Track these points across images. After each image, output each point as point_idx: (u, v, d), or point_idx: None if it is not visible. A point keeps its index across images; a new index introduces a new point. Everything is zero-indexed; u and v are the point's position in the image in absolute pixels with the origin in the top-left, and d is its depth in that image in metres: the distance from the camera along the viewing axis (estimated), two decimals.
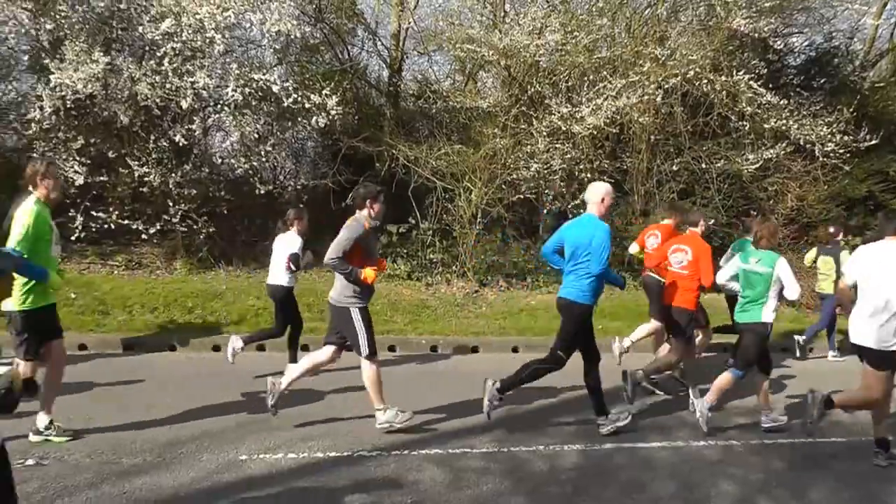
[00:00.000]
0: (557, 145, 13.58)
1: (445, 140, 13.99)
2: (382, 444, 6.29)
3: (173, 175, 12.57)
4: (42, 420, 5.98)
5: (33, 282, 5.69)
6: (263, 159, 13.61)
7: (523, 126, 13.76)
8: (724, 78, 13.67)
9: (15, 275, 5.40)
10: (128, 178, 12.57)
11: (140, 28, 11.74)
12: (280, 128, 13.60)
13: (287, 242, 8.49)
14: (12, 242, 5.58)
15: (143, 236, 12.83)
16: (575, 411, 7.44)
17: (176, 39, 11.59)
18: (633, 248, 9.76)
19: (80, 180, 12.02)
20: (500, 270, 13.89)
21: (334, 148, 15.10)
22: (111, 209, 12.77)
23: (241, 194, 13.81)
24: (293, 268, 8.33)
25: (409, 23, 14.71)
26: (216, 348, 9.72)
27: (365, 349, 6.45)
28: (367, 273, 6.42)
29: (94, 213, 12.63)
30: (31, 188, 5.89)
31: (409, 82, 17.29)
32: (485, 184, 13.52)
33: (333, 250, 6.31)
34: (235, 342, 8.56)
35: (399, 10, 14.88)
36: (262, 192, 13.29)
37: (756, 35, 13.96)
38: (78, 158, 12.24)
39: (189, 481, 5.34)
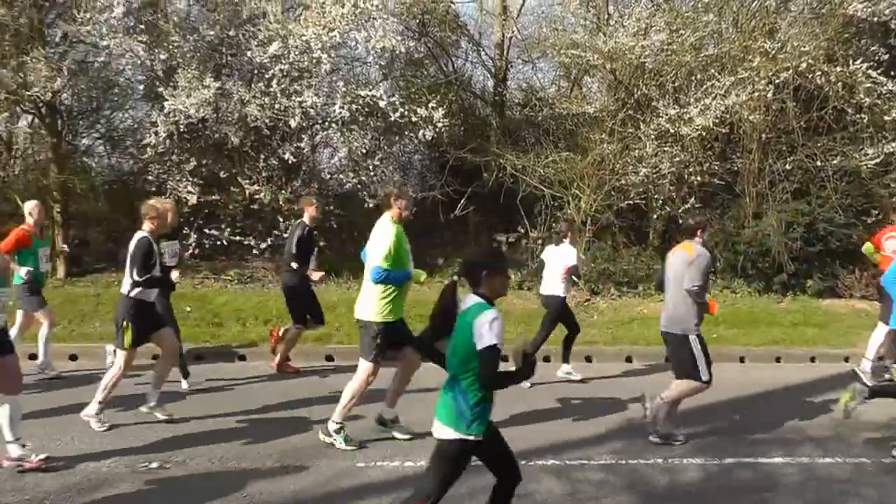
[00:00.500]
0: (666, 148, 13.47)
1: (552, 147, 14.01)
2: None
3: (283, 191, 13.10)
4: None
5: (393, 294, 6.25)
6: (371, 173, 13.91)
7: (630, 130, 13.68)
8: (839, 68, 13.24)
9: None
10: (239, 196, 13.16)
11: (248, 53, 12.30)
12: (387, 142, 13.89)
13: (562, 254, 8.85)
14: (378, 260, 6.11)
15: (255, 251, 13.39)
16: (693, 424, 7.30)
17: (283, 61, 12.06)
18: (867, 248, 9.63)
19: (193, 200, 12.66)
20: (610, 278, 13.84)
21: (441, 160, 15.41)
22: (223, 226, 13.40)
23: (350, 208, 14.15)
24: (574, 279, 8.54)
25: (513, 31, 14.81)
26: (329, 358, 9.97)
27: (705, 375, 6.65)
28: (713, 302, 6.79)
29: (206, 230, 13.29)
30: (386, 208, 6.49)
31: (514, 91, 17.41)
32: (593, 190, 13.50)
33: (699, 277, 6.54)
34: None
35: (502, 19, 14.99)
36: (371, 205, 13.56)
37: (875, 19, 13.44)
38: (191, 179, 12.93)
39: (308, 487, 5.49)
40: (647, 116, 13.59)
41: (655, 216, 14.47)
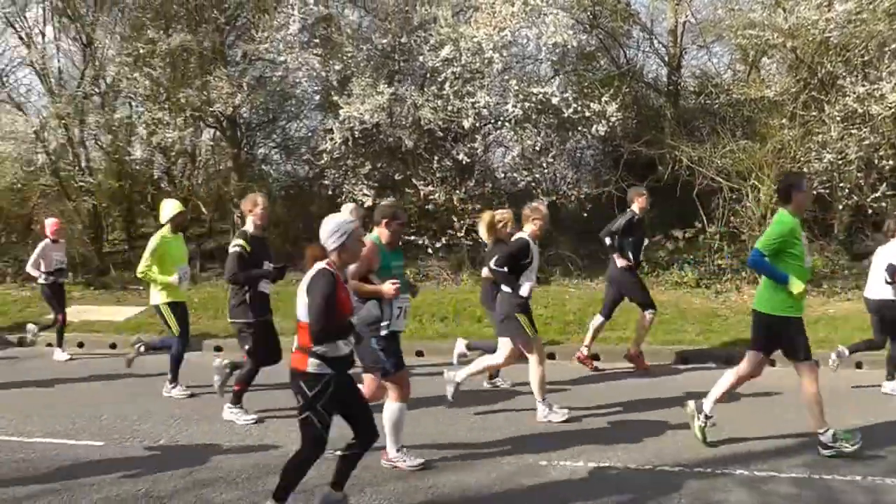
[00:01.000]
0: (853, 131, 12.56)
1: (729, 136, 13.34)
2: (684, 460, 6.11)
3: (457, 192, 13.44)
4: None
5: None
6: (545, 170, 14.03)
7: (813, 113, 12.93)
8: None
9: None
10: (413, 198, 13.61)
11: (420, 58, 12.73)
12: (560, 138, 13.91)
13: (890, 253, 8.16)
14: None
15: (430, 250, 13.82)
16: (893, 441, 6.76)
17: (455, 64, 12.36)
18: None
19: (368, 202, 13.09)
20: None
21: (615, 154, 15.26)
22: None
23: (524, 206, 14.28)
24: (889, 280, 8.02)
25: (686, 16, 14.36)
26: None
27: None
28: None
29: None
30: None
31: (688, 79, 16.94)
32: (773, 181, 12.80)
33: None
34: None
35: (675, 4, 14.58)
36: (545, 203, 13.64)
37: None
38: (366, 182, 13.58)
39: (490, 483, 5.55)
40: (832, 97, 12.79)
41: (841, 206, 13.71)
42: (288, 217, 15.72)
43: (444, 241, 13.63)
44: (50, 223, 10.40)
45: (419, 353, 10.23)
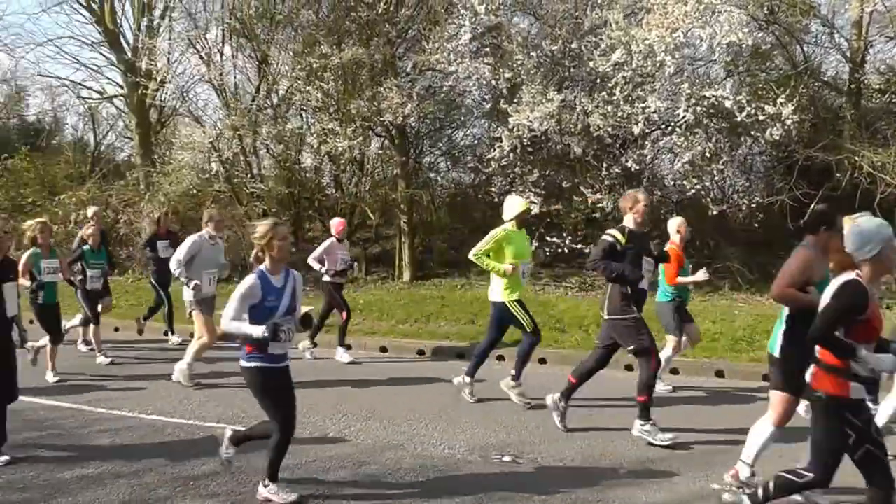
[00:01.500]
0: None
1: None
2: None
3: None
4: None
5: None
6: (715, 178, 13.93)
7: None
8: None
9: None
10: (581, 205, 13.78)
11: (591, 63, 12.87)
12: (731, 144, 13.64)
13: None
14: None
15: None
16: None
17: (626, 68, 12.52)
18: None
19: (535, 209, 13.32)
20: None
21: (788, 160, 14.76)
22: (564, 234, 14.16)
23: (692, 215, 14.10)
24: None
25: (875, 4, 13.56)
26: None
27: None
28: None
29: (548, 238, 14.12)
30: None
31: (872, 75, 16.15)
32: None
33: None
34: None
35: None
36: (715, 212, 13.55)
37: None
38: (533, 189, 13.84)
39: (659, 502, 5.41)
40: None
41: None
42: (452, 223, 16.20)
43: None
44: (336, 223, 10.40)
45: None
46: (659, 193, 14.18)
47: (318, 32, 15.29)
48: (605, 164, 13.54)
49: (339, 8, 15.54)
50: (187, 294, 8.86)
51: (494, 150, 13.45)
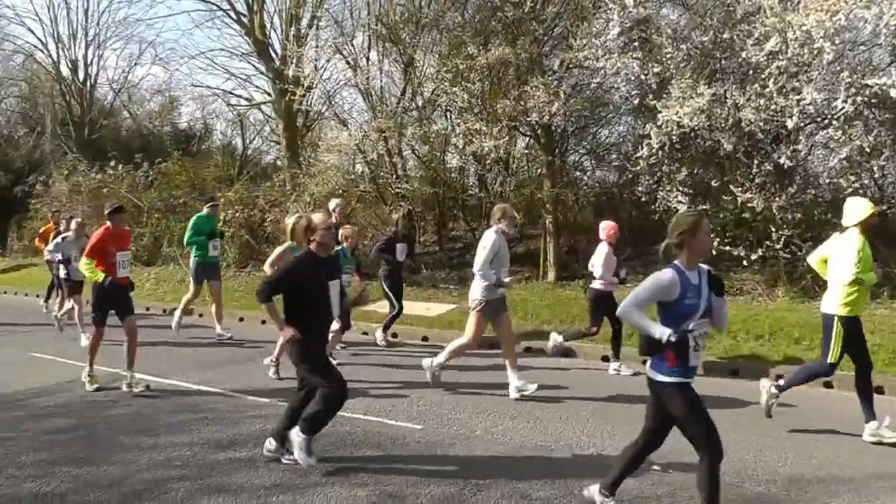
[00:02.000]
0: None
1: None
2: None
3: (776, 199, 13.02)
4: None
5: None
6: (875, 175, 13.50)
7: None
8: None
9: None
10: (730, 205, 13.49)
11: (743, 53, 12.67)
12: (894, 137, 13.10)
13: None
14: None
15: (744, 262, 13.50)
16: None
17: (781, 57, 12.19)
18: None
19: (682, 210, 13.02)
20: None
21: None
22: (713, 236, 13.66)
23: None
24: None
25: None
26: (828, 385, 9.01)
27: None
28: None
29: None
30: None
31: None
32: None
33: None
34: None
35: None
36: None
37: None
38: (681, 189, 13.63)
39: None
40: None
41: None
42: (597, 223, 16.28)
43: (760, 253, 13.22)
44: (607, 226, 10.16)
45: (734, 372, 10.04)
46: (812, 192, 13.74)
47: (464, 34, 15.77)
48: (755, 161, 13.26)
49: (484, 8, 16.00)
50: (477, 292, 8.55)
51: (642, 147, 13.39)
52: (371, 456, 6.48)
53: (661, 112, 12.87)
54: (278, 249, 9.07)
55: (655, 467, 5.98)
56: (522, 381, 8.55)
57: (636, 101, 14.86)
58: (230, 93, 24.83)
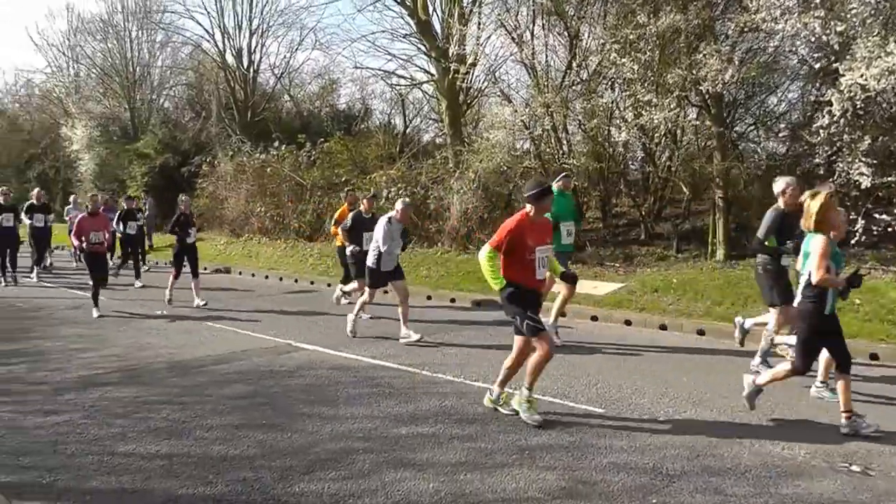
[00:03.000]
0: None
1: None
2: None
3: None
4: None
5: None
6: None
7: None
8: None
9: None
10: None
11: None
12: None
13: None
14: None
15: None
16: None
17: None
18: None
19: (865, 182, 12.87)
20: None
21: None
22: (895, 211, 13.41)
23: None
24: None
25: None
26: None
27: None
28: None
29: (875, 215, 13.54)
30: None
31: None
32: None
33: None
34: None
35: None
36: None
37: None
38: (863, 160, 13.06)
39: None
40: None
41: None
42: (766, 199, 16.08)
43: None
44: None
45: None
46: None
47: (634, 2, 15.82)
48: None
49: None
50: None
51: (822, 116, 13.11)
52: (554, 438, 6.48)
53: (843, 75, 12.49)
54: None
55: (855, 468, 5.85)
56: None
57: (818, 66, 14.35)
58: (392, 73, 25.81)
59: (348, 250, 12.47)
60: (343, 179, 23.00)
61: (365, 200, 12.85)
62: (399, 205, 11.11)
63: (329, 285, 16.68)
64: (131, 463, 6.00)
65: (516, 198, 18.37)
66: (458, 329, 11.83)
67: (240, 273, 20.05)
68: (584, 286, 13.63)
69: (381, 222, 10.89)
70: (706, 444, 6.33)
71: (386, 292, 12.25)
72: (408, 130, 29.17)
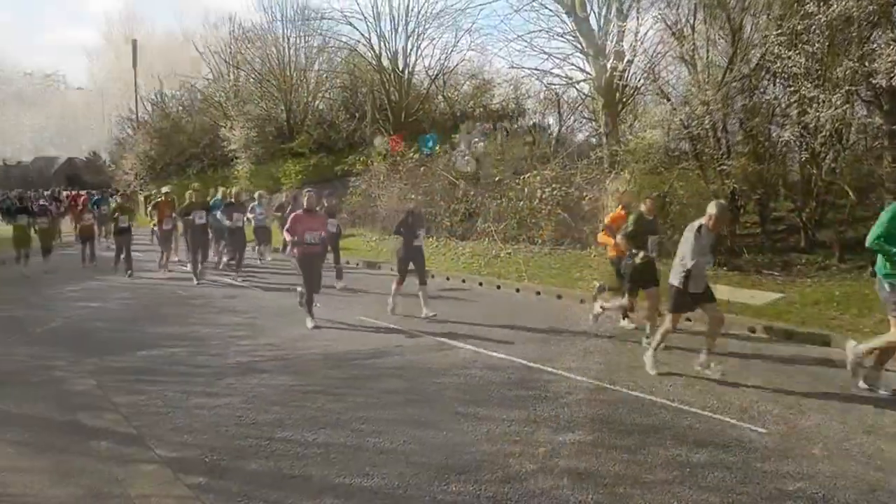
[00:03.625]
0: None
1: None
2: None
3: None
4: None
5: None
6: None
7: None
8: None
9: None
10: None
11: None
12: None
13: None
14: None
15: None
16: None
17: None
18: None
19: None
20: None
21: None
22: None
23: None
24: None
25: None
26: None
27: None
28: None
29: None
30: None
31: None
32: None
33: None
34: None
35: None
36: None
37: None
38: None
39: None
40: None
41: None
42: None
43: None
44: None
45: None
46: None
47: None
48: None
49: None
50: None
51: None
52: (716, 456, 6.35)
53: None
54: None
55: None
56: None
57: None
58: (547, 72, 26.03)
59: (638, 258, 10.65)
60: (497, 179, 23.27)
61: (648, 200, 11.47)
62: (712, 208, 8.93)
63: (481, 284, 17.06)
64: (289, 449, 6.47)
65: (671, 199, 18.05)
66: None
67: (391, 269, 20.50)
68: (740, 294, 13.40)
69: (689, 232, 8.96)
70: (879, 479, 5.96)
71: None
72: (562, 130, 29.32)
